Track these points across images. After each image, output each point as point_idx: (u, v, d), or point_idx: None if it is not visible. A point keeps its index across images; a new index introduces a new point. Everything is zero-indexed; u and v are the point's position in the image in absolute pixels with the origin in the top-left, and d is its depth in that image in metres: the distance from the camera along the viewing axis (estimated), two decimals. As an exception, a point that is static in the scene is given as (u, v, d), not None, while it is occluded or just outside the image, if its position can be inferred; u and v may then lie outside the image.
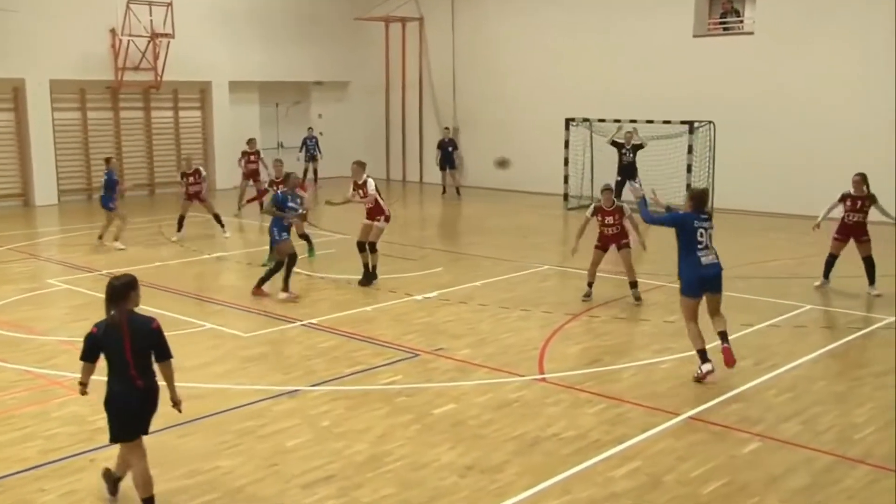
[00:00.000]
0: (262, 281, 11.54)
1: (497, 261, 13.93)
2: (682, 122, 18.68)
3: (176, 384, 5.68)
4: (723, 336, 8.11)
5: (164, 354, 5.57)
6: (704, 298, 8.14)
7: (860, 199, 11.63)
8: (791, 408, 7.48)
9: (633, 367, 8.64)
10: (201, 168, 16.74)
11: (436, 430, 7.02)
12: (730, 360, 8.02)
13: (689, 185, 18.46)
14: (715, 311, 8.18)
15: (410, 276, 12.56)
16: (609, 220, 11.12)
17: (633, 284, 11.22)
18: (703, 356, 8.07)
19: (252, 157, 19.38)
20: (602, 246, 11.28)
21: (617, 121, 19.52)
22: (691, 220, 8.08)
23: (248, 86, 25.00)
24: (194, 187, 16.23)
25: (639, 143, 18.61)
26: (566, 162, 20.81)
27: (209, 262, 14.34)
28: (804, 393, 7.85)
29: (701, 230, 8.08)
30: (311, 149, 24.51)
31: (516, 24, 23.31)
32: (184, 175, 16.38)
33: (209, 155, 24.52)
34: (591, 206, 11.35)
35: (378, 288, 11.99)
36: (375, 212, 12.14)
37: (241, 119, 24.65)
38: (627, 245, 11.17)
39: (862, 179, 11.67)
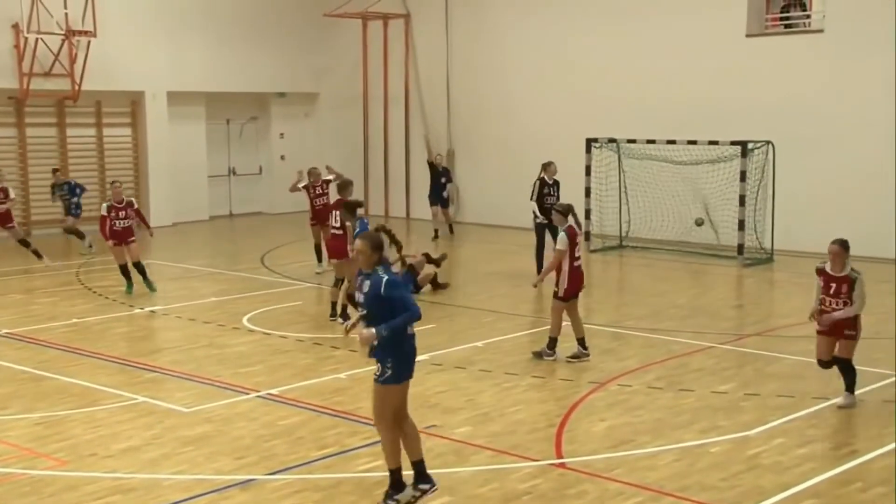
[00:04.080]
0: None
1: (502, 315, 13.94)
2: (733, 143, 18.83)
3: (96, 473, 5.62)
4: None
5: None
6: None
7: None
8: (881, 506, 7.43)
9: (674, 450, 8.61)
10: (7, 187, 17.79)
11: (426, 530, 6.99)
12: None
13: (741, 222, 18.63)
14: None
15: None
16: None
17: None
18: None
19: (320, 188, 17.85)
20: None
21: (650, 141, 19.68)
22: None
23: (191, 97, 25.21)
24: None
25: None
26: (587, 193, 20.91)
27: (140, 318, 14.34)
28: (898, 487, 7.79)
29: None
30: (66, 198, 20.17)
31: (526, 22, 23.61)
32: None
33: (141, 184, 24.60)
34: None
35: (354, 350, 11.99)
36: None
37: (182, 139, 24.85)
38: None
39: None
